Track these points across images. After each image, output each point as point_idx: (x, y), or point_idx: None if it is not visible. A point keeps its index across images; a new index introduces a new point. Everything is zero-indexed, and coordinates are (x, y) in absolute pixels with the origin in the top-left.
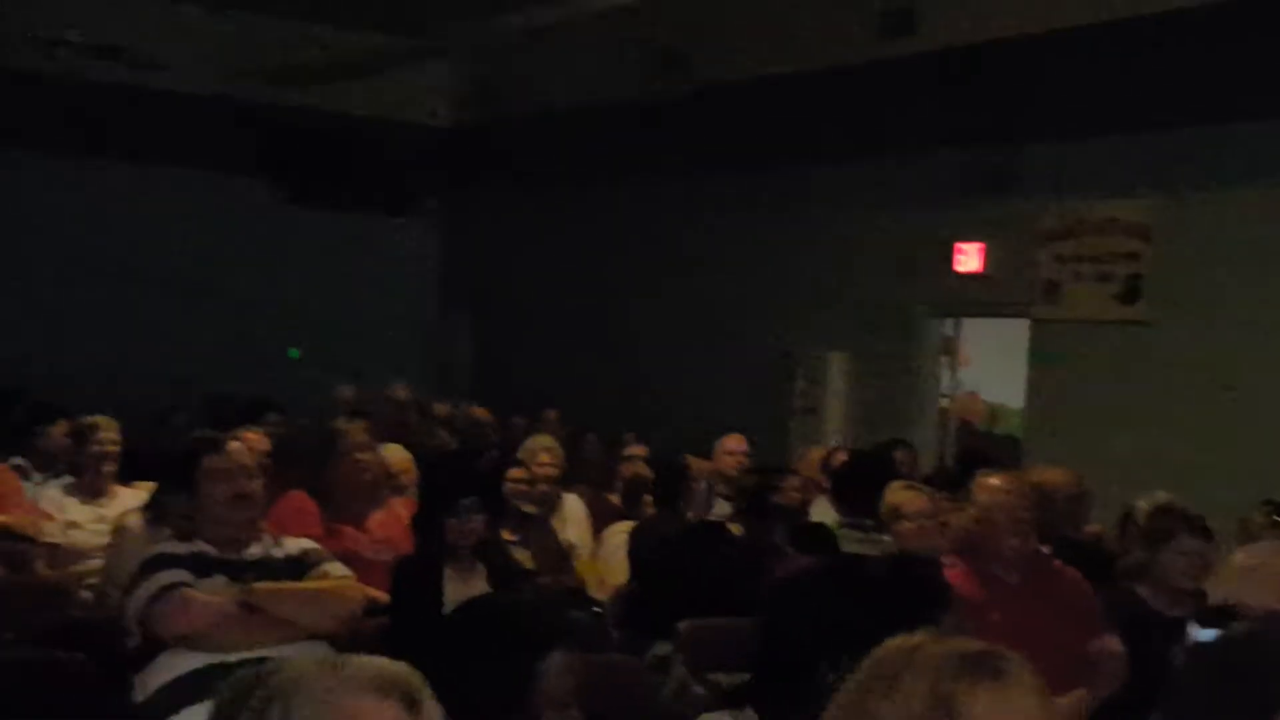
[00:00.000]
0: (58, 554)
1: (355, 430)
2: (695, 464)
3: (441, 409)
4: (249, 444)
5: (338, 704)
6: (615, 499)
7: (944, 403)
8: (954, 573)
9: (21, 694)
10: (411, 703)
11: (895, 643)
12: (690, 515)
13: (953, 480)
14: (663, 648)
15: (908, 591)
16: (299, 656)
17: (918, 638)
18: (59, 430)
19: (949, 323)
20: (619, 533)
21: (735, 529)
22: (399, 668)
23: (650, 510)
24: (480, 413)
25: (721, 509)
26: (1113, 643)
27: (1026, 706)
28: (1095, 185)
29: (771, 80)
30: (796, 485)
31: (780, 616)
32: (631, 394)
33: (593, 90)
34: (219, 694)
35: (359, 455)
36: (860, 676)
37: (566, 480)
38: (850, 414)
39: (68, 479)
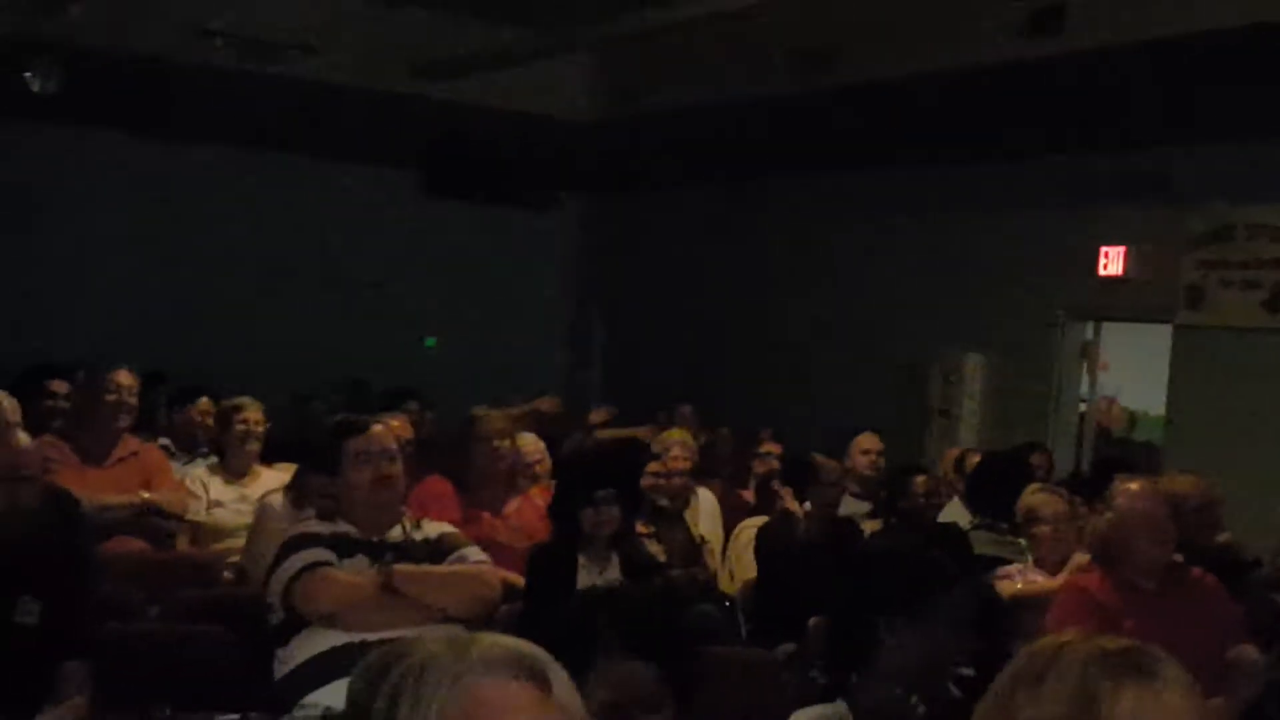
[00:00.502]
0: (202, 531)
1: (493, 418)
2: (824, 462)
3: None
4: (390, 428)
5: (468, 684)
6: (748, 495)
7: (1082, 408)
8: (1089, 578)
9: (167, 666)
10: (543, 681)
11: (1043, 641)
12: (819, 512)
13: (1089, 486)
14: (791, 646)
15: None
16: (414, 639)
17: (1065, 635)
18: (201, 409)
19: (1089, 327)
20: (750, 528)
21: (870, 527)
22: (529, 647)
23: (783, 506)
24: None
25: (856, 507)
26: (1251, 651)
27: (1174, 705)
28: (1244, 191)
29: (914, 79)
30: (923, 485)
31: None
32: (767, 391)
33: (734, 88)
34: (354, 674)
35: (496, 443)
36: (1006, 674)
37: (700, 475)
38: (986, 417)
39: (212, 459)
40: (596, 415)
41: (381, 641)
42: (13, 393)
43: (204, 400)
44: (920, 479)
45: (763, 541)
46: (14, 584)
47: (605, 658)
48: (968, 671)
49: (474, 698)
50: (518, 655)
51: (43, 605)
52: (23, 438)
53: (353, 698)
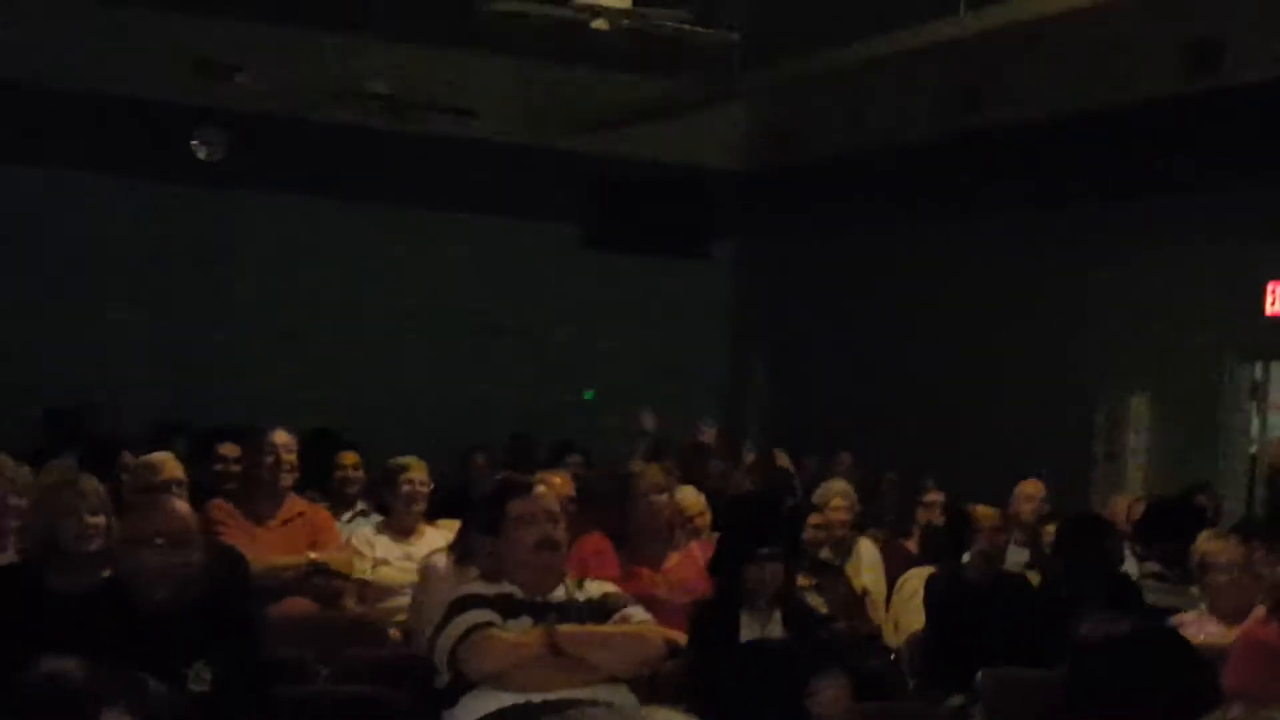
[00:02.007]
0: (368, 591)
1: (652, 472)
2: (983, 512)
3: (748, 455)
4: (553, 487)
5: None
6: (911, 544)
7: (1253, 449)
8: (1269, 630)
9: None
10: None
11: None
12: (978, 562)
13: (1265, 531)
14: (959, 699)
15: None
16: (601, 705)
17: (1234, 709)
18: (346, 463)
19: (1258, 366)
20: (915, 579)
21: (1033, 578)
22: None
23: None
24: (781, 459)
25: (1017, 556)
26: None
27: None
28: None
29: (1070, 117)
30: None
31: (1089, 677)
32: (929, 438)
33: (888, 132)
34: None
35: (654, 497)
36: None
37: (861, 524)
38: (1153, 460)
39: (377, 517)
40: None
41: (547, 703)
42: (188, 457)
43: (350, 455)
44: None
45: (929, 593)
46: (186, 650)
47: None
48: None
49: None
50: None
51: (215, 671)
52: (179, 504)
53: None
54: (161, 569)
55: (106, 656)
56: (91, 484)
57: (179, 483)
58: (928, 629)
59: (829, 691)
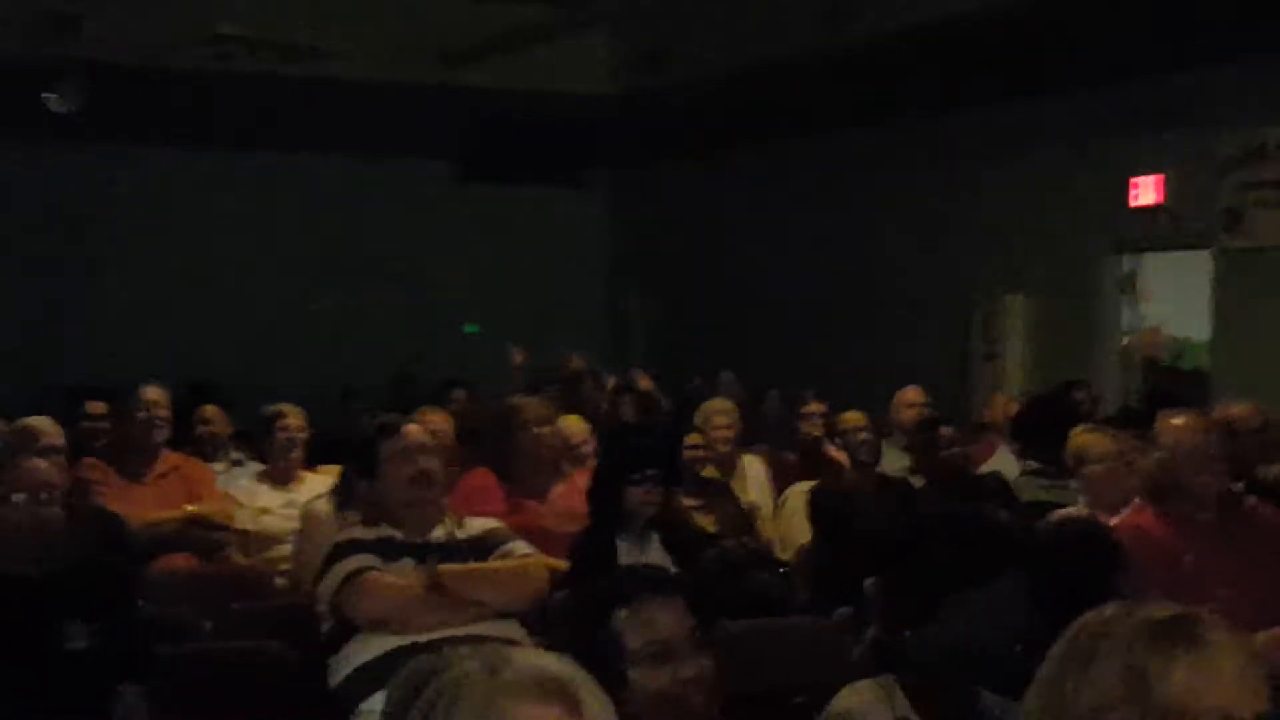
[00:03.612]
0: (250, 541)
1: (534, 405)
2: (847, 418)
3: (612, 380)
4: (430, 424)
5: (499, 709)
6: (795, 458)
7: (1126, 340)
8: (1143, 516)
9: (223, 682)
10: (574, 703)
11: (1086, 618)
12: (859, 470)
13: (1139, 420)
14: (849, 609)
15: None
16: (469, 651)
17: (1108, 610)
18: (206, 416)
19: (1126, 258)
20: (800, 493)
21: (916, 483)
22: (560, 668)
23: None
24: (645, 381)
25: (901, 462)
26: None
27: (1227, 671)
28: (1276, 109)
29: (933, 24)
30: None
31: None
32: (810, 353)
33: (755, 48)
34: (391, 687)
35: (538, 429)
36: (1055, 655)
37: (746, 441)
38: (1031, 358)
39: (256, 465)
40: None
41: (432, 643)
42: (62, 419)
43: (210, 408)
44: (945, 430)
45: (813, 506)
46: (60, 609)
47: (635, 602)
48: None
49: None
50: (549, 677)
51: (92, 629)
52: (39, 461)
53: (388, 710)
54: (21, 526)
55: None
56: None
57: (57, 449)
58: (814, 541)
59: (650, 614)
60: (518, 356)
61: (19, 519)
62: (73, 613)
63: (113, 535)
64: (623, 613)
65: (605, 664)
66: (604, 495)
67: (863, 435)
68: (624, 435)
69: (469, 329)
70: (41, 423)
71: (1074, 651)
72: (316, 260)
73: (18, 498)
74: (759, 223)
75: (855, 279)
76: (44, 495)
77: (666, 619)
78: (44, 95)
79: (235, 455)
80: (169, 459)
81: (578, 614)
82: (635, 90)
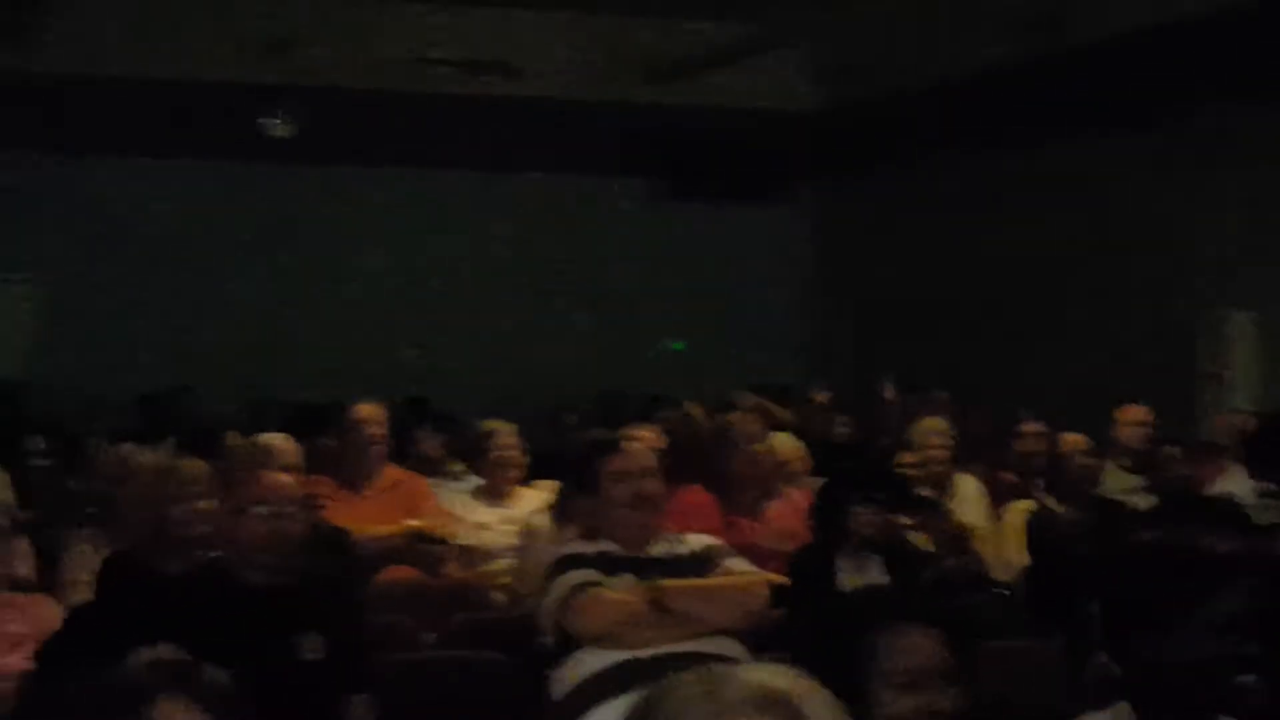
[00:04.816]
0: (469, 555)
1: (747, 421)
2: (1068, 440)
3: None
4: (645, 442)
5: None
6: (1010, 477)
7: None
8: None
9: (445, 693)
10: (795, 716)
11: None
12: (1068, 493)
13: None
14: (1071, 631)
15: None
16: (692, 671)
17: None
18: (422, 435)
19: None
20: (1018, 513)
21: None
22: (782, 680)
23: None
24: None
25: (1126, 483)
26: None
27: None
28: None
29: (1144, 31)
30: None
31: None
32: (1024, 371)
33: (959, 60)
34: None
35: (752, 447)
36: None
37: (959, 460)
38: (1259, 375)
39: (473, 481)
40: (820, 396)
41: (654, 658)
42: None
43: (424, 431)
44: (1170, 449)
45: (1031, 528)
46: (295, 621)
47: (898, 625)
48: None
49: None
50: (770, 690)
51: (324, 640)
52: (281, 475)
53: None
54: (263, 538)
55: (212, 635)
56: (196, 468)
57: (293, 465)
58: (1032, 563)
59: (911, 641)
60: (889, 392)
61: (259, 531)
62: (307, 624)
63: (341, 549)
64: (883, 634)
65: (852, 680)
66: (827, 514)
67: (1085, 458)
68: (842, 453)
69: (676, 347)
70: (277, 439)
71: None
72: (522, 278)
73: (258, 510)
74: (967, 238)
75: (1071, 294)
76: (283, 508)
77: (926, 647)
78: (259, 120)
79: (453, 469)
80: (390, 474)
81: (831, 625)
82: (836, 104)
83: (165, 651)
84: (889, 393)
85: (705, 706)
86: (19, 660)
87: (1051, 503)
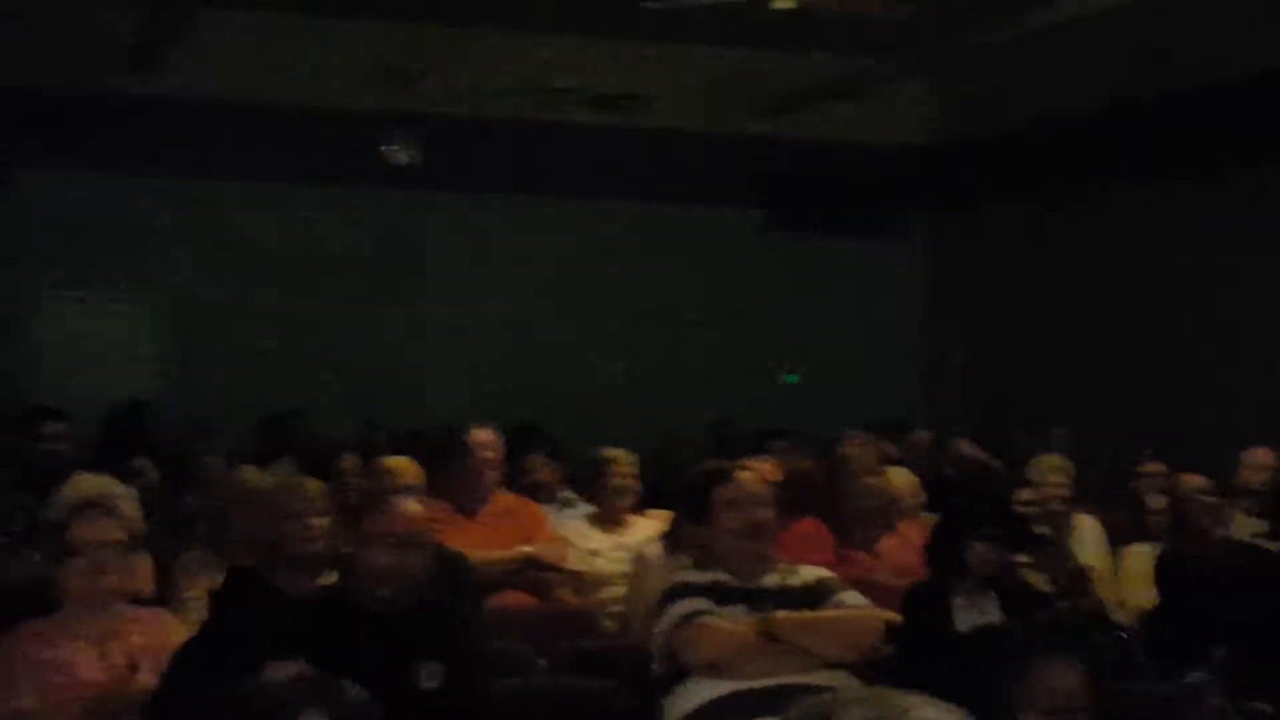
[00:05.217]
0: (582, 582)
1: (863, 455)
2: (1190, 482)
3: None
4: (759, 473)
5: None
6: (1130, 517)
7: None
8: None
9: (560, 719)
10: None
11: None
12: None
13: None
14: (1197, 675)
15: None
16: (855, 695)
17: None
18: (534, 464)
19: None
20: (1138, 553)
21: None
22: (945, 715)
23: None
24: (965, 447)
25: (1251, 527)
26: None
27: None
28: None
29: (1269, 72)
30: None
31: None
32: (1143, 409)
33: (1077, 94)
34: None
35: (867, 480)
36: None
37: (1078, 499)
38: None
39: (585, 507)
40: (966, 447)
41: (765, 689)
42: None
43: (535, 458)
44: None
45: (1160, 570)
46: (416, 648)
47: (1048, 655)
48: None
49: None
50: None
51: (443, 668)
52: (411, 504)
53: None
54: (390, 569)
55: (336, 657)
56: (314, 487)
57: (416, 489)
58: (1161, 606)
59: (1062, 676)
60: (964, 446)
61: (386, 560)
62: (427, 652)
63: (458, 574)
64: (1034, 662)
65: (994, 703)
66: (944, 550)
67: (1209, 499)
68: (961, 489)
69: (788, 379)
70: (401, 463)
71: None
72: (635, 306)
73: (386, 539)
74: (1085, 274)
75: (1194, 333)
76: (409, 538)
77: (1072, 680)
78: (383, 148)
79: (563, 496)
80: (502, 499)
81: (980, 651)
82: (953, 138)
83: (300, 668)
84: (964, 447)
85: None
86: (143, 674)
87: (1170, 545)
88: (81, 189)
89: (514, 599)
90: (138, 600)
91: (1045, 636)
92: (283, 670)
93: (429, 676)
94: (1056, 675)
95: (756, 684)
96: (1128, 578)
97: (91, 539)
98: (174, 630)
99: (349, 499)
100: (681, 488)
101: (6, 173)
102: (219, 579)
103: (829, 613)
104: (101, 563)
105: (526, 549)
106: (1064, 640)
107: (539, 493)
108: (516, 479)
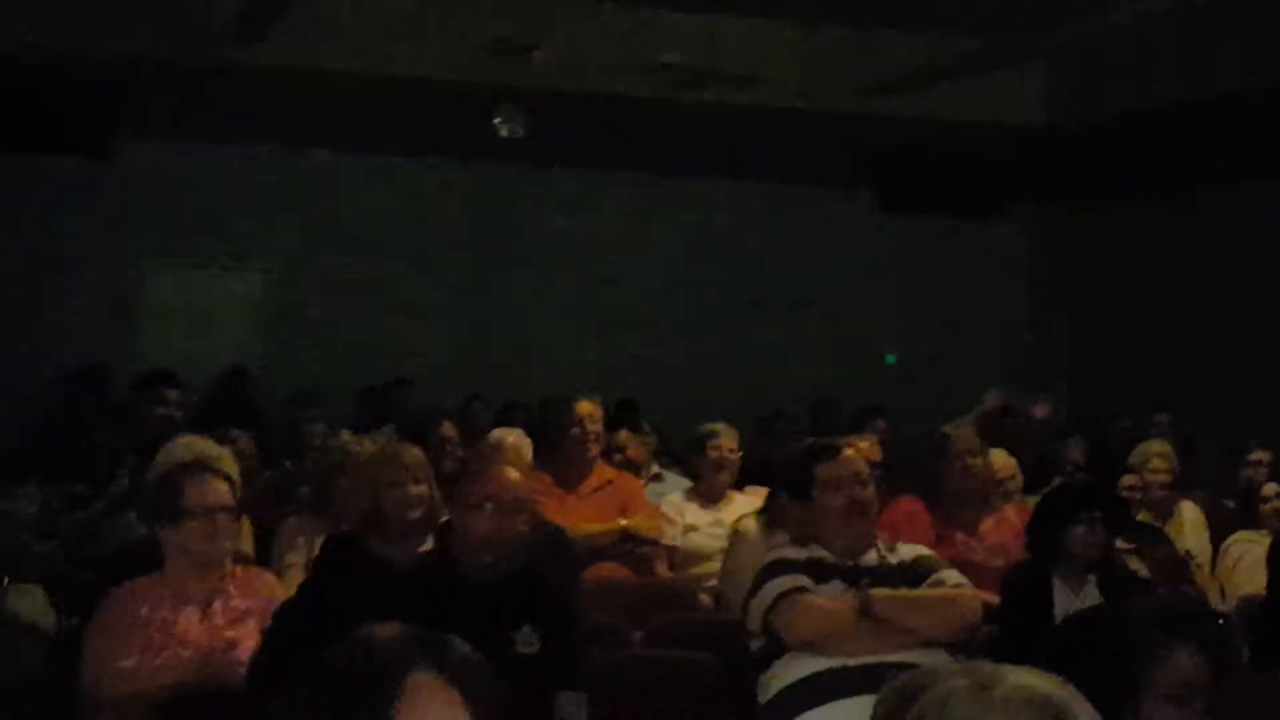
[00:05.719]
0: (678, 556)
1: (966, 436)
2: None
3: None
4: (860, 451)
5: None
6: (1232, 505)
7: None
8: None
9: (655, 691)
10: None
11: None
12: None
13: None
14: None
15: None
16: (956, 668)
17: None
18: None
19: None
20: (1243, 541)
21: None
22: (1050, 687)
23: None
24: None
25: None
26: None
27: None
28: None
29: None
30: None
31: None
32: (1252, 396)
33: (1190, 84)
34: (879, 700)
35: (969, 460)
36: None
37: (1182, 486)
38: None
39: (681, 481)
40: (1040, 410)
41: (863, 666)
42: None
43: (624, 434)
44: None
45: (1271, 558)
46: (515, 615)
47: (1176, 641)
48: None
49: None
50: (1042, 696)
51: (540, 634)
52: (511, 471)
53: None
54: (489, 535)
55: (434, 623)
56: (413, 454)
57: (522, 460)
58: (1270, 593)
59: (1189, 662)
60: (1040, 410)
61: (486, 527)
62: (525, 619)
63: (558, 546)
64: (1160, 647)
65: (1118, 684)
66: (1045, 533)
67: None
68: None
69: (889, 359)
70: (511, 435)
71: None
72: (740, 284)
73: (488, 506)
74: (1191, 260)
75: None
76: (511, 506)
77: (1198, 666)
78: (494, 120)
79: (655, 470)
80: (603, 472)
81: (1106, 633)
82: (1065, 123)
83: (405, 629)
84: (1041, 410)
85: (973, 703)
86: (246, 633)
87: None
88: (183, 159)
89: (610, 571)
90: (241, 561)
91: (1166, 622)
92: (392, 629)
93: (525, 642)
94: (1183, 661)
95: (854, 661)
96: (1233, 566)
97: (205, 502)
98: (275, 592)
99: (448, 467)
100: (781, 464)
101: (109, 142)
102: (319, 544)
103: (928, 591)
104: (214, 525)
105: (624, 521)
106: (1185, 626)
107: (631, 468)
108: (609, 454)
